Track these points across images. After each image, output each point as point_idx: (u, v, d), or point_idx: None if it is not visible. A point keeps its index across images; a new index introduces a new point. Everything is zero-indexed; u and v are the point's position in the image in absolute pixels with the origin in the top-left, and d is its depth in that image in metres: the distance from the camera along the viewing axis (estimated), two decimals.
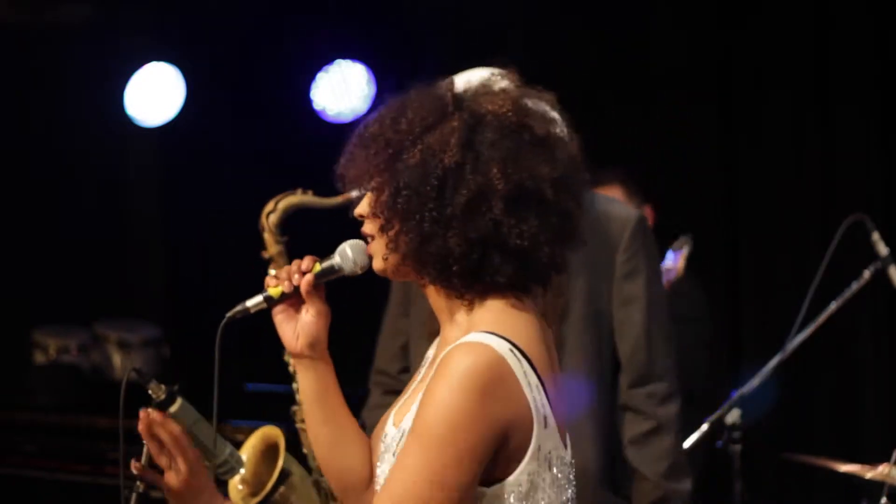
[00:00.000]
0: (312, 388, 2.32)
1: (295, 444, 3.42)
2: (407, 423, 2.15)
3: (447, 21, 5.60)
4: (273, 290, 2.26)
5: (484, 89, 2.22)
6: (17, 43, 6.26)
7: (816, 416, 5.33)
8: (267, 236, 3.50)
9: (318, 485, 3.43)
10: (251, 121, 6.30)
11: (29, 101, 6.30)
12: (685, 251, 4.56)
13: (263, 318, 3.68)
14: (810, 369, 5.22)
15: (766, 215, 5.41)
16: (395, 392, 2.91)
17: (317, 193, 3.54)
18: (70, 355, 6.01)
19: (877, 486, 3.77)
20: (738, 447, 4.17)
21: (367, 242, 2.28)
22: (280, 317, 2.30)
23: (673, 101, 5.27)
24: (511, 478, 2.07)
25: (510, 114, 2.17)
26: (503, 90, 2.22)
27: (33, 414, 5.40)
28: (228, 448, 2.90)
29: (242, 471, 3.05)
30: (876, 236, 4.22)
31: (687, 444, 4.14)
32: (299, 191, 3.54)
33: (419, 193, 2.14)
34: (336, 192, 3.55)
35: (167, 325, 6.31)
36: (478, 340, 2.06)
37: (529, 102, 2.21)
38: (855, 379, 5.26)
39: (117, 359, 6.00)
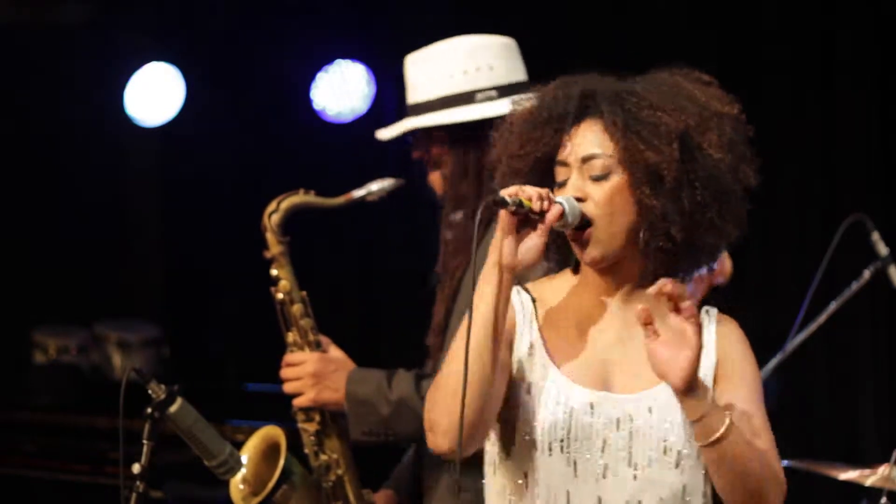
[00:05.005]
0: (502, 303, 2.32)
1: (296, 443, 3.42)
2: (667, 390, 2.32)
3: (447, 21, 5.60)
4: (527, 201, 2.30)
5: (704, 87, 2.44)
6: (17, 43, 6.25)
7: (816, 415, 5.33)
8: (269, 236, 3.50)
9: (318, 485, 3.43)
10: (251, 121, 6.30)
11: (29, 101, 6.29)
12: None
13: (263, 318, 3.69)
14: (810, 369, 5.22)
15: (765, 215, 5.41)
16: None
17: (318, 193, 3.54)
18: (70, 355, 6.01)
19: (877, 487, 3.78)
20: None
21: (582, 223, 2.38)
22: (510, 226, 2.31)
23: None
24: None
25: (744, 119, 2.41)
26: (712, 85, 2.45)
27: (33, 414, 5.40)
28: (228, 448, 2.91)
29: (243, 470, 3.06)
30: (876, 236, 4.22)
31: None
32: (301, 191, 3.54)
33: (713, 187, 2.34)
34: (335, 192, 3.57)
35: (167, 325, 6.31)
36: None
37: None
38: (855, 379, 5.26)
39: (117, 359, 6.00)
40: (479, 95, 3.40)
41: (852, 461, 4.07)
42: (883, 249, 4.22)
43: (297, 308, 3.48)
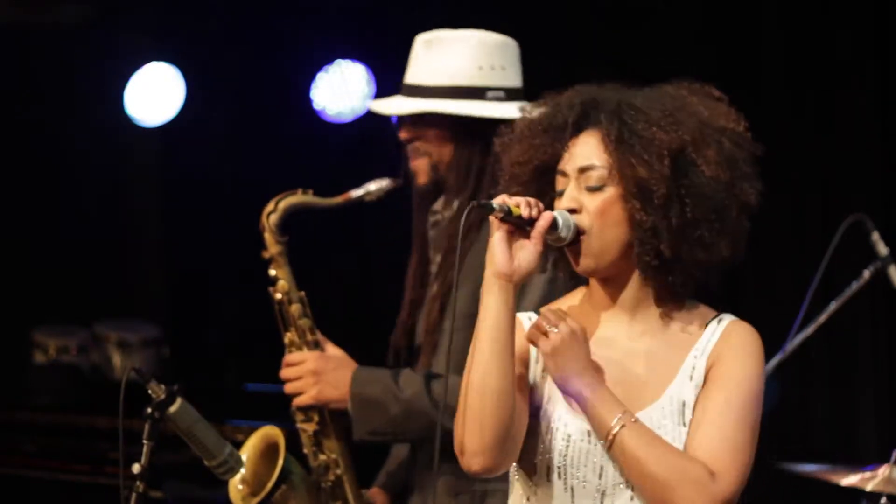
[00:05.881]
0: (506, 312, 2.34)
1: (295, 444, 3.42)
2: (682, 393, 2.37)
3: (447, 21, 5.59)
4: (514, 208, 2.32)
5: (711, 103, 2.44)
6: (17, 43, 6.25)
7: (815, 416, 5.33)
8: (267, 236, 3.50)
9: (318, 485, 3.43)
10: (251, 121, 6.30)
11: (29, 100, 6.29)
12: None
13: (263, 319, 3.69)
14: (810, 369, 5.22)
15: (765, 215, 5.40)
16: None
17: (317, 193, 3.54)
18: (70, 355, 6.00)
19: (877, 492, 3.78)
20: None
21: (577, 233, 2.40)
22: (502, 234, 2.34)
23: None
24: None
25: (747, 133, 2.42)
26: (721, 102, 2.46)
27: (33, 414, 5.40)
28: (228, 448, 2.91)
29: (242, 470, 3.06)
30: (876, 236, 4.22)
31: None
32: (300, 191, 3.53)
33: (704, 205, 2.35)
34: (335, 192, 3.57)
35: (167, 325, 6.31)
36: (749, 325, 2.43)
37: None
38: (854, 379, 5.26)
39: (117, 359, 6.00)
40: (490, 94, 3.40)
41: (851, 461, 4.07)
42: (883, 249, 4.22)
43: (295, 308, 3.48)
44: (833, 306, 4.24)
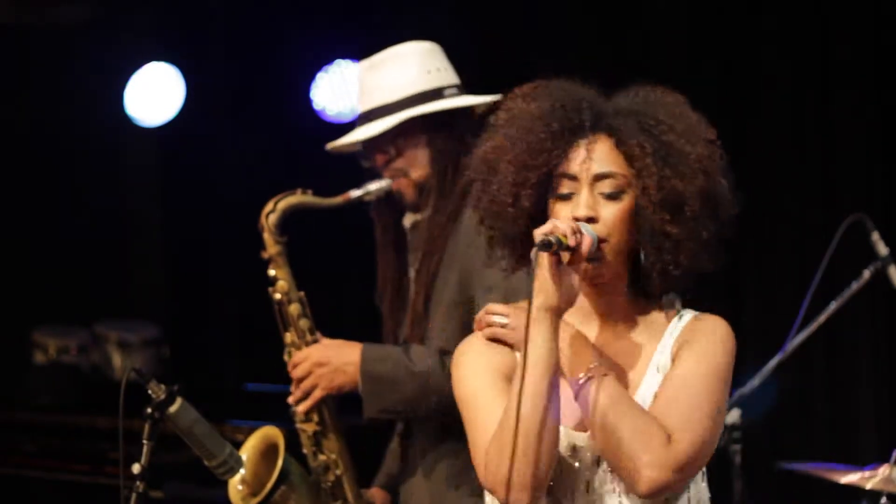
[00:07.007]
0: (554, 345, 2.28)
1: (295, 444, 3.42)
2: (652, 386, 2.36)
3: (447, 21, 5.60)
4: (563, 238, 2.27)
5: (684, 106, 2.42)
6: (17, 43, 6.26)
7: (815, 416, 5.33)
8: (266, 236, 3.50)
9: (317, 485, 3.43)
10: (251, 121, 6.30)
11: (29, 101, 6.29)
12: None
13: (263, 319, 3.69)
14: (810, 369, 5.22)
15: (766, 215, 5.41)
16: None
17: (316, 193, 3.54)
18: (70, 355, 6.01)
19: (877, 490, 3.78)
20: (738, 447, 4.17)
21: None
22: (552, 268, 2.28)
23: None
24: None
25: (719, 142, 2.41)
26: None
27: (33, 414, 5.40)
28: (228, 448, 2.91)
29: (242, 471, 3.06)
30: (876, 236, 4.22)
31: None
32: (299, 191, 3.54)
33: (719, 217, 2.38)
34: (335, 192, 3.57)
35: (167, 325, 6.31)
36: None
37: None
38: (855, 379, 5.26)
39: (117, 359, 6.00)
40: (446, 91, 3.48)
41: (852, 461, 4.07)
42: (883, 249, 4.22)
43: (294, 308, 3.48)
44: (833, 306, 4.24)
